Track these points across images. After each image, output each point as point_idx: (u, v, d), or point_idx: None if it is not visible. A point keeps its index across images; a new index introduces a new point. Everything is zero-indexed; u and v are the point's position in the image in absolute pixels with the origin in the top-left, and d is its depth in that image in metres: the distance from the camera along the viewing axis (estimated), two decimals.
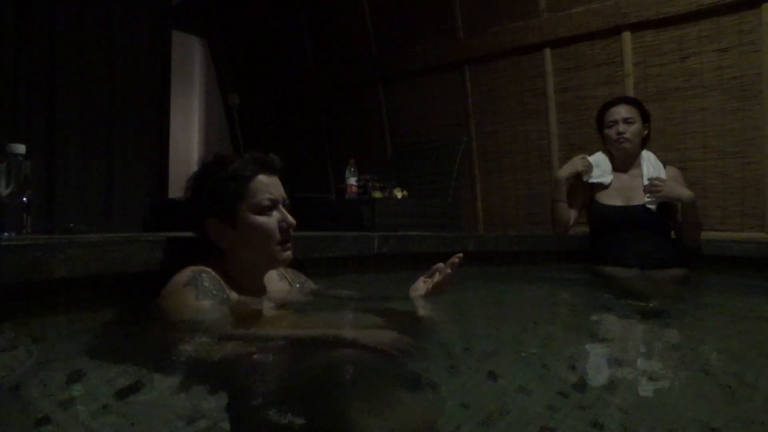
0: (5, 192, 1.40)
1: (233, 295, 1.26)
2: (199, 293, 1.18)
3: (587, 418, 0.81)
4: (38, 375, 0.92)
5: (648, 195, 2.49)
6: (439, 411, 0.84)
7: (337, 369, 0.91)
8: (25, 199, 1.42)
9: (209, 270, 1.25)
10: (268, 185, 1.28)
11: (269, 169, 1.30)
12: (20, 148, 1.43)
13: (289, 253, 1.32)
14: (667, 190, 2.46)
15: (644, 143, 2.67)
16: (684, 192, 2.47)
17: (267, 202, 1.27)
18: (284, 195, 1.32)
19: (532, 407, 0.85)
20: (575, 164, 2.68)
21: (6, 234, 1.36)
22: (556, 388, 0.92)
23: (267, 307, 1.33)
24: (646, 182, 2.52)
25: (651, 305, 1.92)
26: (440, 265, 1.44)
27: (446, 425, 0.79)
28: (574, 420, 0.80)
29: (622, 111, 2.60)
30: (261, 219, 1.26)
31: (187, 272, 1.22)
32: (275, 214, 1.28)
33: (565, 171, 2.71)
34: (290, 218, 1.30)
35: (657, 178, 2.50)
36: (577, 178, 2.71)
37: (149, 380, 0.91)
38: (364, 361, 0.92)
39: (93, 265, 1.20)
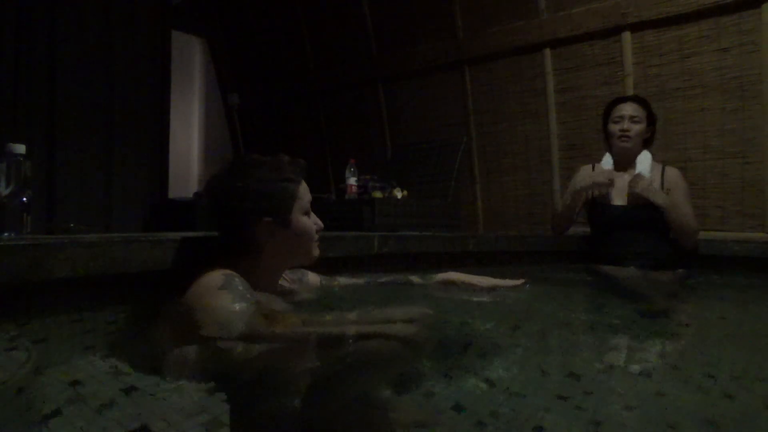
0: (5, 192, 1.40)
1: (257, 296, 1.28)
2: (236, 297, 1.18)
3: (586, 416, 0.81)
4: (38, 375, 0.92)
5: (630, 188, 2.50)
6: (433, 411, 0.85)
7: (369, 360, 0.95)
8: (25, 199, 1.42)
9: (236, 274, 1.26)
10: (308, 190, 1.39)
11: (305, 176, 1.40)
12: (20, 148, 1.43)
13: (318, 251, 1.43)
14: (642, 187, 2.47)
15: (646, 144, 2.66)
16: (658, 197, 2.47)
17: (309, 205, 1.38)
18: None
19: (530, 406, 0.85)
20: (600, 183, 2.54)
21: (6, 234, 1.37)
22: (554, 387, 0.92)
23: (287, 307, 1.37)
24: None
25: (650, 305, 1.92)
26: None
27: (442, 425, 0.79)
28: (573, 419, 0.80)
29: (630, 109, 2.60)
30: (306, 220, 1.37)
31: (219, 276, 1.22)
32: (312, 216, 1.40)
33: (587, 184, 2.58)
34: (320, 221, 1.42)
35: (638, 175, 2.51)
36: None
37: (171, 380, 0.91)
38: (394, 352, 0.96)
39: (93, 265, 1.20)
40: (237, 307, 1.16)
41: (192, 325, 1.17)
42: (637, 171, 2.57)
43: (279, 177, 1.32)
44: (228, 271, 1.24)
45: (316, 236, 1.40)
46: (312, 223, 1.39)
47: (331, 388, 0.91)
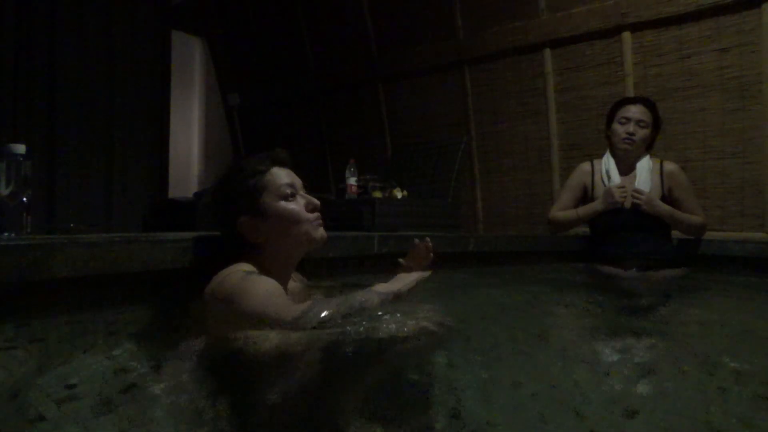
0: (5, 192, 1.40)
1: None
2: (267, 284, 1.20)
3: (586, 420, 0.81)
4: (38, 375, 0.92)
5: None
6: (434, 413, 0.85)
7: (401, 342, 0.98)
8: (25, 199, 1.42)
9: (257, 270, 1.27)
10: (284, 175, 1.35)
11: (280, 162, 1.37)
12: (20, 148, 1.43)
13: (322, 230, 1.38)
14: (644, 203, 2.47)
15: (648, 148, 2.65)
16: (661, 210, 2.48)
17: (288, 189, 1.33)
18: (301, 182, 1.38)
19: (530, 409, 0.85)
20: (615, 197, 2.52)
21: (6, 234, 1.36)
22: (554, 389, 0.92)
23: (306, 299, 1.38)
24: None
25: (650, 305, 1.92)
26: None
27: (443, 427, 0.79)
28: (574, 421, 0.80)
29: (638, 112, 2.56)
30: (287, 204, 1.33)
31: (241, 272, 1.23)
32: (299, 198, 1.35)
33: (608, 204, 2.55)
34: (314, 200, 1.37)
35: (637, 190, 2.49)
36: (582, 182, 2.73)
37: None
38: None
39: (93, 265, 1.19)
40: (270, 296, 1.18)
41: (226, 319, 1.18)
42: (636, 183, 2.55)
43: (243, 175, 1.33)
44: (250, 267, 1.26)
45: (310, 216, 1.34)
46: (298, 205, 1.34)
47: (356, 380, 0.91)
